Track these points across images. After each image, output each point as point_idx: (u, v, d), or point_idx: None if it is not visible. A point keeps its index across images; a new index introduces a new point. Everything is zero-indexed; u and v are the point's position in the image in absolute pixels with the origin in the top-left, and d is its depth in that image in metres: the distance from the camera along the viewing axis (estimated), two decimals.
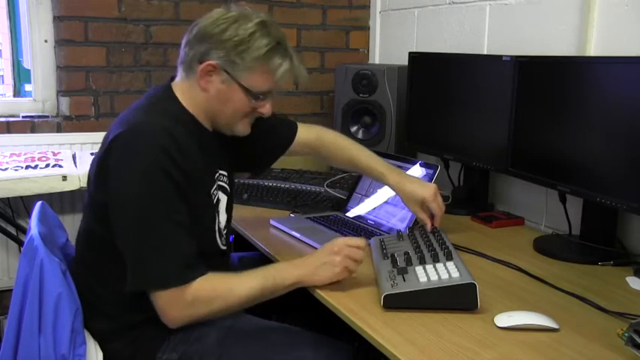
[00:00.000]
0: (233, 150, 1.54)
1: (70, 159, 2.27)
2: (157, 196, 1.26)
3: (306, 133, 1.74)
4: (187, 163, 1.30)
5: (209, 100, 1.39)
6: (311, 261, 1.37)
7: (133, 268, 1.26)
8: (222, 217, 1.48)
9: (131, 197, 1.25)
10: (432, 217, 1.65)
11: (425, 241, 1.52)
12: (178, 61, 1.43)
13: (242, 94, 1.38)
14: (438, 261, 1.35)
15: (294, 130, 1.71)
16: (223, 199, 1.48)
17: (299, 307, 1.53)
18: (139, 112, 1.36)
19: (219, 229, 1.46)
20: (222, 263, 1.50)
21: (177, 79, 1.44)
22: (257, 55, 1.34)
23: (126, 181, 1.26)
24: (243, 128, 1.46)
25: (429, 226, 1.62)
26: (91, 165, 1.40)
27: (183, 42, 1.41)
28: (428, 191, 1.63)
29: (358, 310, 1.26)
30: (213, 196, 1.44)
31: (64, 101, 2.46)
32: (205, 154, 1.40)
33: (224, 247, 1.50)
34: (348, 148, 1.75)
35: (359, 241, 1.39)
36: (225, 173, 1.50)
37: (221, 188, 1.48)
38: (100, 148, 1.36)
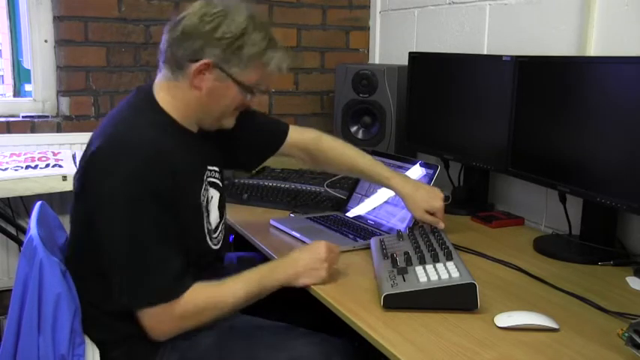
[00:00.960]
0: (222, 146, 1.53)
1: (70, 159, 2.27)
2: (142, 215, 1.24)
3: (301, 134, 1.72)
4: (173, 174, 1.28)
5: (200, 98, 1.36)
6: (298, 264, 1.40)
7: (120, 287, 1.26)
8: (214, 216, 1.46)
9: (115, 217, 1.23)
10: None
11: (425, 241, 1.52)
12: (161, 60, 1.38)
13: (236, 90, 1.37)
14: (438, 261, 1.35)
15: (285, 130, 1.70)
16: (215, 195, 1.47)
17: (299, 306, 1.53)
18: (120, 124, 1.33)
19: (208, 230, 1.44)
20: (212, 264, 1.49)
21: (162, 78, 1.39)
22: (254, 52, 1.33)
23: (109, 200, 1.23)
24: (230, 122, 1.45)
25: (442, 225, 1.64)
26: (74, 176, 1.36)
27: (167, 40, 1.36)
28: (439, 202, 1.66)
29: (358, 310, 1.27)
30: (203, 198, 1.42)
31: (64, 101, 2.46)
32: (192, 156, 1.38)
33: (216, 247, 1.47)
34: (348, 154, 1.73)
35: (337, 247, 1.45)
36: (216, 169, 1.49)
37: (212, 185, 1.46)
38: (82, 159, 1.33)
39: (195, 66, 1.32)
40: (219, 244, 1.50)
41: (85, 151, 1.34)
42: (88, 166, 1.28)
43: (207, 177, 1.45)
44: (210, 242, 1.45)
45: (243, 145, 1.60)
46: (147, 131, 1.30)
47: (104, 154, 1.26)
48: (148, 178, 1.24)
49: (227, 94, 1.37)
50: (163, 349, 1.32)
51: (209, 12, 1.32)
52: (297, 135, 1.71)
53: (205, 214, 1.43)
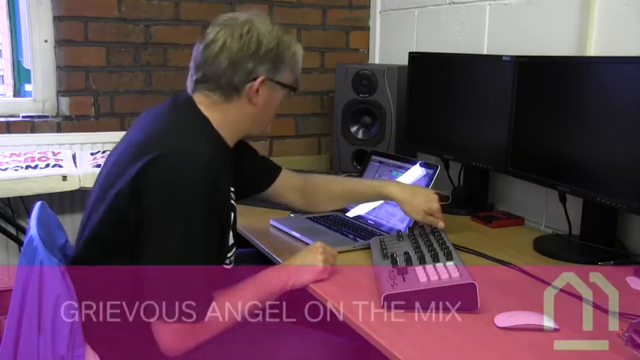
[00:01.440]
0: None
1: (70, 159, 2.27)
2: (200, 232, 1.24)
3: (293, 176, 1.76)
4: (224, 193, 1.31)
5: (255, 112, 1.41)
6: (295, 262, 1.43)
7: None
8: (230, 235, 1.44)
9: (174, 229, 1.22)
10: None
11: (425, 241, 1.52)
12: (207, 88, 1.37)
13: (283, 92, 1.44)
14: (438, 261, 1.35)
15: (277, 171, 1.73)
16: (231, 215, 1.44)
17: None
18: (180, 134, 1.31)
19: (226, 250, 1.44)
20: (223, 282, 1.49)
21: (208, 100, 1.38)
22: (291, 53, 1.42)
23: (171, 215, 1.22)
24: (269, 125, 1.52)
25: (441, 224, 1.64)
26: (111, 178, 1.31)
27: (214, 72, 1.36)
28: (436, 204, 1.66)
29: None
30: (232, 218, 1.42)
31: (64, 101, 2.47)
32: (230, 175, 1.39)
33: (228, 267, 1.46)
34: (339, 179, 1.81)
35: (333, 250, 1.49)
36: (233, 189, 1.47)
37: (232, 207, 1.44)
38: (132, 166, 1.26)
39: (253, 86, 1.37)
40: (231, 265, 1.49)
41: (135, 158, 1.26)
42: (148, 168, 1.23)
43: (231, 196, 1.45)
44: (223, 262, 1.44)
45: (240, 177, 1.59)
46: (207, 146, 1.30)
47: (170, 160, 1.24)
48: (210, 197, 1.24)
49: (277, 100, 1.45)
50: None
51: (242, 32, 1.35)
52: (290, 176, 1.75)
53: (228, 234, 1.43)
